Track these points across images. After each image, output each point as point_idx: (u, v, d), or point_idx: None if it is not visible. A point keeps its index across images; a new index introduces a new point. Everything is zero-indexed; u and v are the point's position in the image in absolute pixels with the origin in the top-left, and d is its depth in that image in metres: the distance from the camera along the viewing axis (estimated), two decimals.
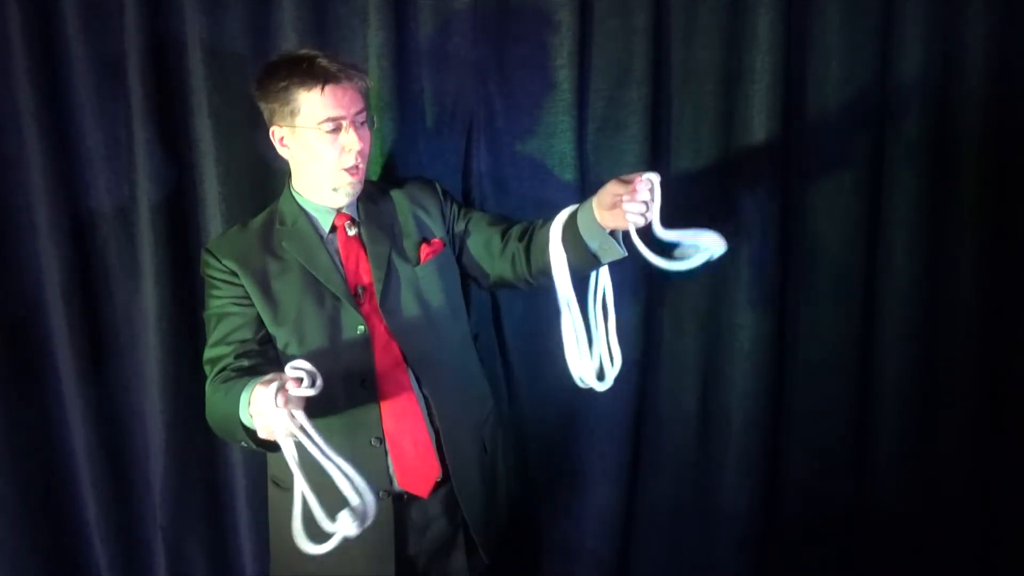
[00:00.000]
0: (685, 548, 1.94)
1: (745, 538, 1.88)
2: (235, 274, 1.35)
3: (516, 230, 1.44)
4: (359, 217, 1.41)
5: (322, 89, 1.28)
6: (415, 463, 1.35)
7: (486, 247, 1.45)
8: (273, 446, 1.10)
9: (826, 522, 1.91)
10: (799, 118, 1.75)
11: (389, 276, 1.37)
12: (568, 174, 1.74)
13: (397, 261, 1.39)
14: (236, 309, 1.34)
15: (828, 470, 1.90)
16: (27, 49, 1.63)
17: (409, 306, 1.37)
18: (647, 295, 1.80)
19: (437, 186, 1.52)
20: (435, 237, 1.45)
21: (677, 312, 1.84)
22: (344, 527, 1.00)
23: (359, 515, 1.00)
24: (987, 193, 1.75)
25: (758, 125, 1.70)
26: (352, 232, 1.39)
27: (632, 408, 1.84)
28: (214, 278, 1.37)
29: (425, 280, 1.40)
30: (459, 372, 1.45)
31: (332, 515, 1.02)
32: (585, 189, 1.75)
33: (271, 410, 1.01)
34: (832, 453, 1.89)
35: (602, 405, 1.82)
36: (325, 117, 1.29)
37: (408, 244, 1.42)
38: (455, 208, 1.51)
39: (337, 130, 1.30)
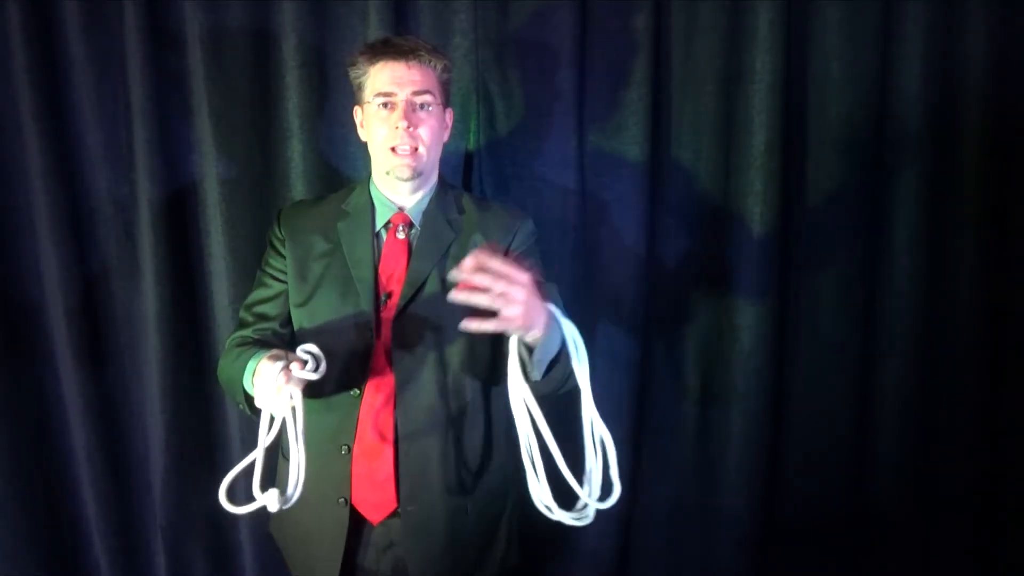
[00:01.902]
0: (685, 548, 1.94)
1: (745, 538, 1.89)
2: (283, 243, 1.37)
3: None
4: (420, 223, 1.35)
5: (383, 64, 1.28)
6: (371, 487, 1.31)
7: None
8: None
9: (826, 522, 1.91)
10: (799, 118, 1.75)
11: (418, 294, 1.29)
12: (568, 174, 1.74)
13: (434, 282, 1.30)
14: (270, 282, 1.37)
15: (828, 470, 1.89)
16: (27, 49, 1.63)
17: (421, 334, 1.29)
18: (647, 295, 1.80)
19: (521, 225, 1.39)
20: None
21: (677, 313, 1.84)
22: (268, 500, 1.09)
23: (285, 500, 1.10)
24: (987, 193, 1.75)
25: (758, 125, 1.71)
26: (402, 235, 1.34)
27: (632, 408, 1.84)
28: (271, 241, 1.40)
29: (449, 315, 1.25)
30: (451, 423, 1.33)
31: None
32: (585, 189, 1.75)
33: (273, 385, 1.08)
34: (832, 453, 1.89)
35: (602, 406, 1.82)
36: (379, 91, 1.28)
37: (454, 268, 1.35)
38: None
39: (391, 107, 1.28)
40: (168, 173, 1.71)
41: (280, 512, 1.42)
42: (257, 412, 1.17)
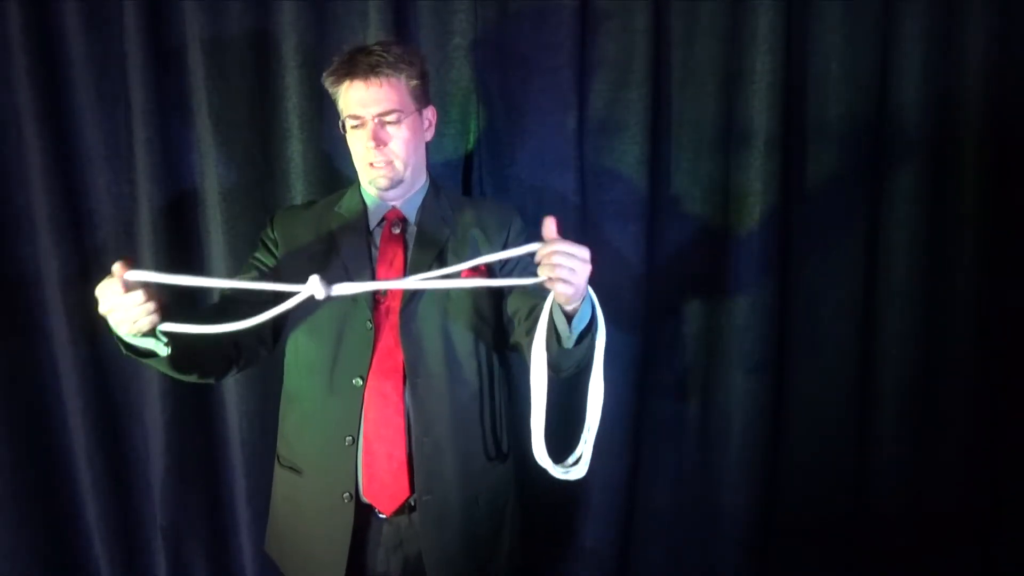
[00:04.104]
0: (685, 548, 1.94)
1: (745, 538, 1.89)
2: (276, 244, 1.39)
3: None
4: (415, 220, 1.38)
5: (348, 85, 1.31)
6: (384, 477, 1.31)
7: (515, 314, 1.36)
8: (144, 352, 1.13)
9: (826, 522, 1.91)
10: (799, 118, 1.75)
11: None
12: (568, 174, 1.74)
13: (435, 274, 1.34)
14: (254, 272, 1.38)
15: (828, 471, 1.90)
16: (27, 49, 1.63)
17: (428, 322, 1.32)
18: (647, 295, 1.80)
19: (514, 220, 1.43)
20: (482, 264, 1.32)
21: (677, 313, 1.84)
22: (312, 287, 1.04)
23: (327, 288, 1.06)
24: (986, 193, 1.75)
25: (758, 125, 1.71)
26: (396, 231, 1.37)
27: (633, 409, 1.84)
28: (262, 240, 1.43)
29: (455, 303, 1.34)
30: (461, 409, 1.35)
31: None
32: (585, 189, 1.75)
33: (118, 299, 1.02)
34: (832, 453, 1.89)
35: (602, 407, 1.82)
36: (349, 113, 1.31)
37: (453, 263, 1.33)
38: (516, 257, 1.34)
39: (361, 126, 1.31)
40: (168, 173, 1.71)
41: (277, 525, 1.43)
42: (131, 348, 1.14)
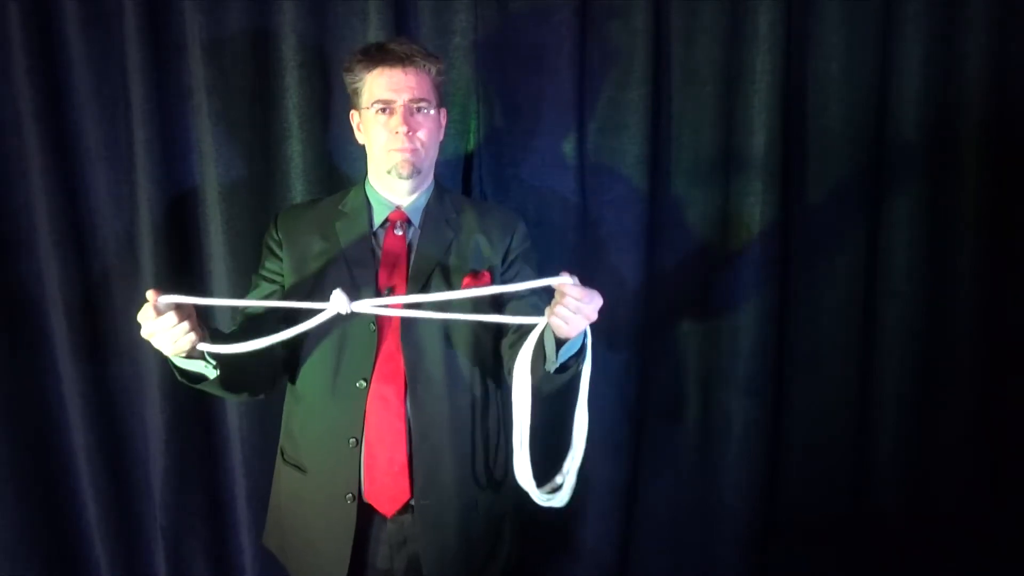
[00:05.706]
0: (685, 548, 1.94)
1: (745, 538, 1.89)
2: (280, 245, 1.39)
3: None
4: (419, 222, 1.38)
5: (380, 72, 1.31)
6: (385, 479, 1.32)
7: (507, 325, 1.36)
8: (195, 377, 1.20)
9: (826, 522, 1.91)
10: (799, 118, 1.75)
11: (424, 289, 1.32)
12: (568, 174, 1.74)
13: (437, 279, 1.34)
14: (264, 284, 1.39)
15: (828, 470, 1.90)
16: (27, 49, 1.63)
17: (430, 327, 1.32)
18: (648, 296, 1.80)
19: (518, 226, 1.44)
20: (484, 269, 1.37)
21: (677, 313, 1.84)
22: (336, 300, 1.11)
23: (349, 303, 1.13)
24: (987, 194, 1.75)
25: (758, 125, 1.71)
26: (400, 232, 1.37)
27: (633, 409, 1.84)
28: (267, 244, 1.42)
29: (456, 309, 1.32)
30: (460, 416, 1.35)
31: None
32: (585, 189, 1.75)
33: (154, 323, 1.09)
34: (832, 453, 1.89)
35: (602, 406, 1.82)
36: (377, 98, 1.31)
37: (456, 266, 1.36)
38: (519, 264, 1.42)
39: (390, 113, 1.32)
40: (168, 173, 1.71)
41: (279, 519, 1.44)
42: (187, 374, 1.20)
